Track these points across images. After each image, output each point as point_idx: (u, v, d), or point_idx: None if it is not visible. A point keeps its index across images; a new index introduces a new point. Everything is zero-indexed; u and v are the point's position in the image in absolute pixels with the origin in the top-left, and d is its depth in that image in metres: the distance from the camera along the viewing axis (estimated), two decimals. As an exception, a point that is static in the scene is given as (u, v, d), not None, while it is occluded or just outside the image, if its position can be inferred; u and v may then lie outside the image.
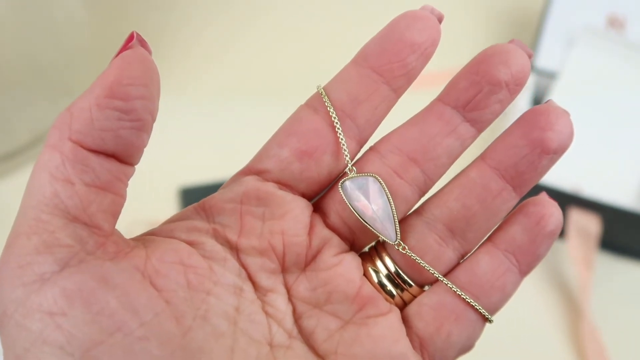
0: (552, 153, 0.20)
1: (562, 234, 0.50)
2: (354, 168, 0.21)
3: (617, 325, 0.48)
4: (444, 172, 0.21)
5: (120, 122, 0.18)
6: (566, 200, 0.48)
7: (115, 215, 0.19)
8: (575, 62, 0.55)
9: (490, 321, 0.21)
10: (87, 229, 0.18)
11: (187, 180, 0.51)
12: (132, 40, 0.19)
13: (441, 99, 0.21)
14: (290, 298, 0.21)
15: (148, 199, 0.44)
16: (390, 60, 0.20)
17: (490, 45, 0.20)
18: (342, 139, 0.20)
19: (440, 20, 0.20)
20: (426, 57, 0.20)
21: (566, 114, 0.20)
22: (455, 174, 0.22)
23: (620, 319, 0.48)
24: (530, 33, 0.63)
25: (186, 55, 0.60)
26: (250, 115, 0.57)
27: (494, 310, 0.21)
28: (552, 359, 0.47)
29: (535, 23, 0.62)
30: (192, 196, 0.48)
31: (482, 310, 0.21)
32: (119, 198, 0.19)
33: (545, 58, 0.56)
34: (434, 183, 0.21)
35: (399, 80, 0.20)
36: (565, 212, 0.49)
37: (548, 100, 0.21)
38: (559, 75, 0.55)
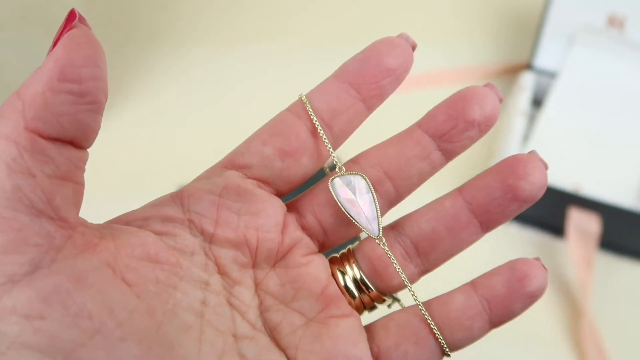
0: (521, 201, 0.21)
1: (562, 233, 0.50)
2: (343, 167, 0.22)
3: (617, 325, 0.48)
4: (412, 191, 0.23)
5: (76, 105, 0.17)
6: (566, 200, 0.48)
7: (77, 205, 0.19)
8: (575, 62, 0.55)
9: (447, 355, 0.22)
10: (53, 223, 0.18)
11: (187, 181, 0.51)
12: (75, 19, 0.18)
13: (420, 125, 0.23)
14: (258, 292, 0.22)
15: (148, 198, 0.44)
16: (367, 81, 0.22)
17: (469, 86, 0.22)
18: (326, 142, 0.22)
19: (413, 48, 0.22)
20: (398, 81, 0.22)
21: (544, 166, 0.22)
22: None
23: (620, 319, 0.48)
24: (530, 33, 0.63)
25: (186, 53, 0.60)
26: (250, 116, 0.57)
27: (454, 347, 0.22)
28: (552, 359, 0.47)
29: (535, 23, 0.62)
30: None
31: (441, 339, 0.21)
32: (79, 186, 0.19)
33: (545, 58, 0.56)
34: (402, 199, 0.23)
35: (373, 99, 0.22)
36: (565, 212, 0.49)
37: (531, 151, 0.22)
38: (559, 75, 0.55)
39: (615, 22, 0.57)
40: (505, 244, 0.52)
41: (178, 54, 0.60)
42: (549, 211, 0.50)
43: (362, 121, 0.23)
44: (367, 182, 0.22)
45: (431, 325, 0.21)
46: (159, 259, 0.20)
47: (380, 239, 0.22)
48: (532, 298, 0.21)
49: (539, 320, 0.49)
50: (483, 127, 0.22)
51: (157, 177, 0.52)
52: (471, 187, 0.22)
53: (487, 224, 0.22)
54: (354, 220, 0.22)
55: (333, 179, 0.22)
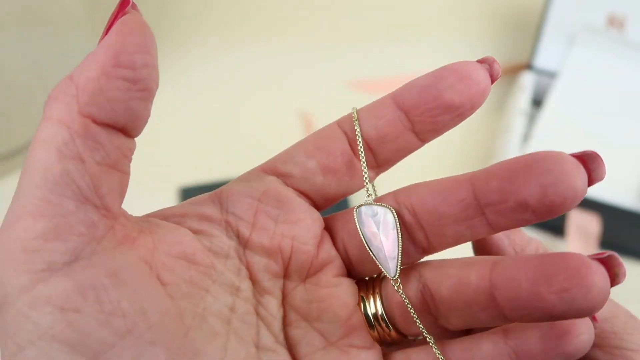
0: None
1: (562, 233, 0.50)
2: (372, 195, 0.21)
3: (617, 325, 0.48)
4: (448, 247, 0.21)
5: (129, 92, 0.17)
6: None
7: (122, 195, 0.18)
8: (575, 62, 0.55)
9: None
10: (98, 211, 0.17)
11: (187, 180, 0.51)
12: (128, 5, 0.18)
13: (472, 180, 0.19)
14: (284, 304, 0.21)
15: (148, 198, 0.44)
16: (423, 113, 0.20)
17: (528, 155, 0.18)
18: (364, 169, 0.21)
19: (495, 77, 0.19)
20: (461, 118, 0.20)
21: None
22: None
23: (620, 318, 0.48)
24: (530, 33, 0.63)
25: (187, 54, 0.60)
26: (250, 116, 0.57)
27: None
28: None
29: (535, 23, 0.62)
30: (192, 196, 0.48)
31: None
32: (125, 176, 0.18)
33: (545, 58, 0.56)
34: (436, 252, 0.21)
35: (427, 133, 0.21)
36: (565, 212, 0.49)
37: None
38: (559, 75, 0.55)
39: (615, 22, 0.57)
40: (505, 244, 0.52)
41: (178, 54, 0.60)
42: (549, 211, 0.50)
43: (411, 152, 0.21)
44: (395, 218, 0.20)
45: None
46: (195, 259, 0.19)
47: (396, 281, 0.20)
48: (569, 357, 0.19)
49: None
50: (538, 212, 0.18)
51: (157, 178, 0.52)
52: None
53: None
54: (372, 254, 0.20)
55: (360, 206, 0.21)
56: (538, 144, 0.52)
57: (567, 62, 0.55)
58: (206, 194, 0.21)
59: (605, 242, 0.49)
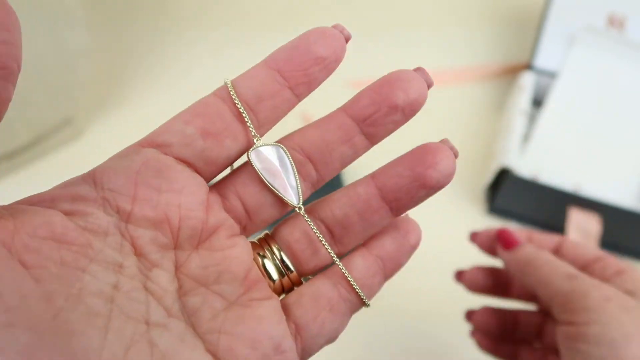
0: (429, 188, 0.22)
1: (562, 233, 0.50)
2: (261, 139, 0.22)
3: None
4: (335, 174, 0.23)
5: None
6: (566, 200, 0.48)
7: None
8: (575, 62, 0.55)
9: (368, 305, 0.23)
10: None
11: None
12: None
13: (344, 109, 0.23)
14: (178, 275, 0.21)
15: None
16: (295, 68, 0.22)
17: (395, 70, 0.22)
18: (250, 126, 0.22)
19: (347, 40, 0.23)
20: (328, 70, 0.22)
21: (452, 154, 0.22)
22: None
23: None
24: (530, 33, 0.63)
25: (185, 54, 0.60)
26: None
27: (361, 304, 0.23)
28: (552, 359, 0.47)
29: (535, 23, 0.62)
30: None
31: (361, 293, 0.23)
32: None
33: (545, 58, 0.56)
34: (324, 182, 0.23)
35: (300, 87, 0.22)
36: (565, 212, 0.49)
37: (443, 139, 0.23)
38: (559, 75, 0.55)
39: (615, 22, 0.57)
40: (506, 244, 0.52)
41: (177, 55, 0.60)
42: (549, 211, 0.50)
43: (289, 109, 0.22)
44: (286, 153, 0.22)
45: (352, 283, 0.23)
46: (66, 239, 0.18)
47: (300, 208, 0.22)
48: (414, 249, 0.24)
49: (539, 320, 0.49)
50: (407, 111, 0.22)
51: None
52: (383, 174, 0.23)
53: (397, 209, 0.23)
54: (273, 189, 0.22)
55: (253, 149, 0.22)
56: (538, 144, 0.52)
57: (567, 62, 0.55)
58: (79, 176, 0.21)
59: (606, 242, 0.49)
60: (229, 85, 0.22)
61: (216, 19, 0.63)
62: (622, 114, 0.53)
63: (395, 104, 0.22)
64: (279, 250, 0.23)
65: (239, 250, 0.22)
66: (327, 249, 0.23)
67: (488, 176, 0.51)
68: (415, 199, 0.22)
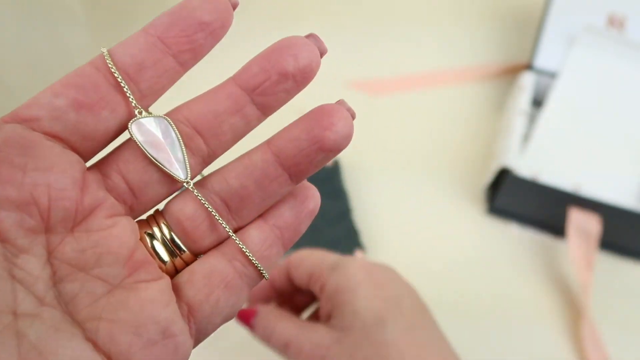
0: (327, 151, 0.21)
1: (562, 233, 0.50)
2: (143, 110, 0.21)
3: (617, 325, 0.48)
4: (228, 148, 0.22)
5: None
6: (566, 200, 0.48)
7: None
8: (575, 62, 0.55)
9: (266, 277, 0.23)
10: None
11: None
12: None
13: (234, 79, 0.21)
14: (51, 260, 0.19)
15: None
16: (178, 34, 0.20)
17: (287, 37, 0.21)
18: (129, 94, 0.20)
19: (234, 7, 0.21)
20: (215, 37, 0.21)
21: (348, 115, 0.21)
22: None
23: (620, 319, 0.48)
24: (531, 33, 0.63)
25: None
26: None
27: (259, 277, 0.23)
28: (552, 359, 0.47)
29: (535, 23, 0.62)
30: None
31: (259, 265, 0.22)
32: None
33: (546, 58, 0.56)
34: (216, 157, 0.22)
35: (185, 55, 0.21)
36: (566, 212, 0.49)
37: (339, 100, 0.22)
38: (559, 75, 0.55)
39: (615, 22, 0.57)
40: (506, 244, 0.52)
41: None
42: (549, 211, 0.50)
43: (174, 79, 0.21)
44: (171, 125, 0.21)
45: (250, 257, 0.22)
46: None
47: (188, 182, 0.21)
48: (313, 214, 0.23)
49: (539, 320, 0.49)
50: (299, 79, 0.21)
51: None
52: (279, 139, 0.22)
53: (296, 176, 0.22)
54: (157, 163, 0.20)
55: (134, 121, 0.20)
56: (538, 144, 0.52)
57: (567, 62, 0.55)
58: None
59: (605, 242, 0.49)
60: (105, 54, 0.20)
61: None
62: (622, 114, 0.53)
63: (285, 70, 0.21)
64: (169, 229, 0.22)
65: (120, 229, 0.20)
66: (221, 223, 0.21)
67: (488, 176, 0.51)
68: (315, 163, 0.21)
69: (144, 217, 0.22)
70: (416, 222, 0.53)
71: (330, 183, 0.54)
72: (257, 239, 0.22)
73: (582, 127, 0.53)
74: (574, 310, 0.48)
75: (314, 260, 0.35)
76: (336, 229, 0.52)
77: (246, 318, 0.36)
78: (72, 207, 0.19)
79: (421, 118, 0.58)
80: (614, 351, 0.46)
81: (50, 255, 0.19)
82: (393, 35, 0.64)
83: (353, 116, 0.22)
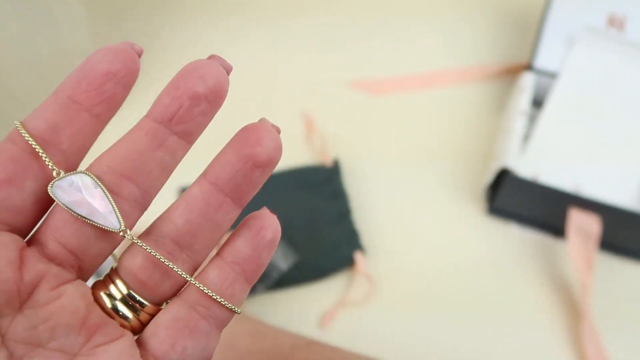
0: (262, 166, 0.22)
1: (562, 234, 0.50)
2: (61, 170, 0.20)
3: (617, 325, 0.48)
4: (162, 184, 0.22)
5: None
6: (566, 200, 0.48)
7: None
8: (575, 62, 0.55)
9: (238, 312, 0.22)
10: None
11: (187, 181, 0.51)
12: None
13: (148, 115, 0.21)
14: (5, 343, 0.20)
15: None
16: (86, 89, 0.20)
17: (189, 62, 0.21)
18: (45, 158, 0.20)
19: (139, 53, 0.21)
20: (125, 85, 0.21)
21: (274, 130, 0.22)
22: None
23: (620, 319, 0.48)
24: (531, 33, 0.63)
25: (187, 51, 0.60)
26: (250, 116, 0.57)
27: (230, 315, 0.22)
28: (553, 359, 0.47)
29: (535, 23, 0.62)
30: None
31: (226, 303, 0.22)
32: None
33: (546, 58, 0.56)
34: (152, 196, 0.22)
35: (98, 107, 0.21)
36: (566, 213, 0.49)
37: (261, 119, 0.22)
38: (559, 75, 0.55)
39: (615, 22, 0.57)
40: (506, 244, 0.52)
41: (172, 56, 0.60)
42: (549, 211, 0.50)
43: (95, 133, 0.21)
44: (92, 178, 0.20)
45: (216, 298, 0.22)
46: None
47: (125, 231, 0.21)
48: (273, 244, 0.22)
49: (540, 320, 0.49)
50: (212, 98, 0.21)
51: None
52: (213, 168, 0.22)
53: (239, 198, 0.22)
54: (88, 220, 0.20)
55: (53, 183, 0.20)
56: (538, 144, 0.52)
57: (567, 63, 0.55)
58: None
59: (605, 242, 0.49)
60: (17, 125, 0.20)
61: (217, 17, 0.63)
62: (622, 114, 0.53)
63: (196, 93, 0.21)
64: (125, 285, 0.21)
65: (67, 299, 0.20)
66: (172, 268, 0.21)
67: (488, 176, 0.51)
68: (253, 181, 0.22)
69: (101, 278, 0.22)
70: (416, 222, 0.53)
71: (330, 184, 0.54)
72: (217, 279, 0.22)
73: (582, 128, 0.53)
74: (574, 310, 0.48)
75: None
76: (336, 229, 0.52)
77: None
78: (13, 288, 0.19)
79: (421, 118, 0.58)
80: (613, 351, 0.46)
81: (3, 338, 0.19)
82: (393, 35, 0.64)
83: (278, 130, 0.22)
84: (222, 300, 0.22)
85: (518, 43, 0.64)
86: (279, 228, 0.23)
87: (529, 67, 0.56)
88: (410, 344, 0.48)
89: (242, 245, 0.22)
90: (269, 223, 0.22)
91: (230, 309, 0.22)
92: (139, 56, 0.21)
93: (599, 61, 0.55)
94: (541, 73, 0.55)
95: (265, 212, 0.23)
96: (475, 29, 0.65)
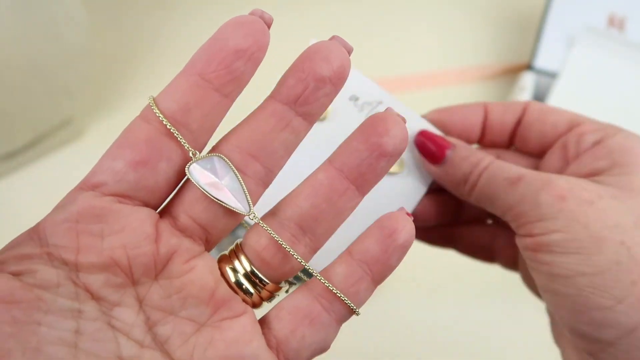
0: (388, 156, 0.22)
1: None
2: (197, 152, 0.21)
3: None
4: (284, 163, 0.22)
5: None
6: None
7: None
8: (575, 62, 0.55)
9: (357, 313, 0.22)
10: None
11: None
12: None
13: (273, 96, 0.22)
14: (143, 307, 0.21)
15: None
16: (216, 68, 0.21)
17: (313, 43, 0.21)
18: (182, 140, 0.21)
19: (269, 24, 0.21)
20: (254, 61, 0.21)
21: (401, 121, 0.22)
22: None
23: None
24: (531, 33, 0.63)
25: (187, 51, 0.60)
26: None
27: (349, 313, 0.22)
28: (552, 359, 0.47)
29: (535, 23, 0.62)
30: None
31: (348, 302, 0.22)
32: None
33: (545, 58, 0.56)
34: (275, 175, 0.22)
35: (228, 86, 0.21)
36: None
37: (387, 108, 0.22)
38: (559, 75, 0.55)
39: (615, 22, 0.57)
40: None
41: (169, 57, 0.60)
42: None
43: (223, 112, 0.22)
44: (226, 161, 0.21)
45: (337, 293, 0.22)
46: (13, 298, 0.19)
47: (252, 215, 0.21)
48: (405, 248, 0.22)
49: (539, 320, 0.49)
50: (335, 81, 0.21)
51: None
52: (340, 155, 0.22)
53: (362, 186, 0.22)
54: (221, 203, 0.21)
55: (190, 165, 0.21)
56: (538, 144, 0.52)
57: (567, 63, 0.55)
58: (24, 232, 0.21)
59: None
60: (151, 103, 0.21)
61: (217, 17, 0.63)
62: (622, 114, 0.53)
63: (321, 75, 0.21)
64: (249, 262, 0.22)
65: (198, 273, 0.21)
66: (293, 255, 0.22)
67: (488, 176, 0.51)
68: (378, 171, 0.22)
69: (226, 252, 0.23)
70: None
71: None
72: (343, 275, 0.22)
73: (582, 127, 0.53)
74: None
75: (491, 187, 0.29)
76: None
77: (439, 149, 0.32)
78: (150, 260, 0.21)
79: (421, 118, 0.58)
80: (614, 351, 0.46)
81: (141, 303, 0.21)
82: (393, 35, 0.64)
83: (404, 120, 0.22)
84: (345, 299, 0.22)
85: (518, 43, 0.64)
86: (414, 232, 0.22)
87: (529, 67, 0.56)
88: (410, 341, 0.48)
89: (371, 244, 0.22)
90: (403, 225, 0.22)
91: (352, 310, 0.22)
92: (269, 27, 0.21)
93: (599, 61, 0.55)
94: (541, 73, 0.55)
95: (400, 213, 0.22)
96: (475, 29, 0.65)
